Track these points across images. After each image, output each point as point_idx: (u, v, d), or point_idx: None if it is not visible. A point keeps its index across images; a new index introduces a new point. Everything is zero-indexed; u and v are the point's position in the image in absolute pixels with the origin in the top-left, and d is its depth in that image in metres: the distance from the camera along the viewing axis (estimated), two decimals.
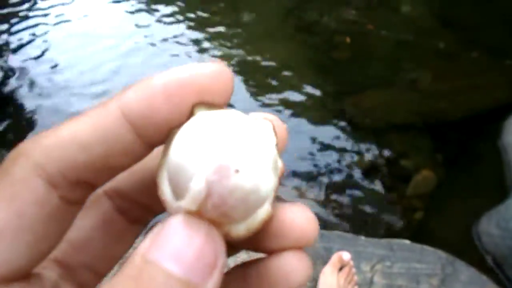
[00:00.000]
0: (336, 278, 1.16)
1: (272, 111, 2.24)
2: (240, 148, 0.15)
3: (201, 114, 0.17)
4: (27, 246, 0.16)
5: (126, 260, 0.16)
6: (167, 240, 0.15)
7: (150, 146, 0.18)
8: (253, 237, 0.17)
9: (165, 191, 0.17)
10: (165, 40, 2.58)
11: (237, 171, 0.15)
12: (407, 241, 1.32)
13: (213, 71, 0.17)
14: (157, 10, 2.84)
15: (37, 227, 0.16)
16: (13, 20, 2.70)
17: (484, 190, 2.00)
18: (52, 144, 0.17)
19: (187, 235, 0.15)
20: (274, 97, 2.36)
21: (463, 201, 2.01)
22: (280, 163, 0.17)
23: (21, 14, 2.77)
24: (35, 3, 2.89)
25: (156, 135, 0.17)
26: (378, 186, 2.08)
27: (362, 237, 1.29)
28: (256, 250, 0.18)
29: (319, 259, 1.24)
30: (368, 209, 1.98)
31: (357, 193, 2.03)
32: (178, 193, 0.16)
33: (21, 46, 2.54)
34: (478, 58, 2.42)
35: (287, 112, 2.29)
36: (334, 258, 1.20)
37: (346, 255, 1.20)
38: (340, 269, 1.19)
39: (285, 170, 0.17)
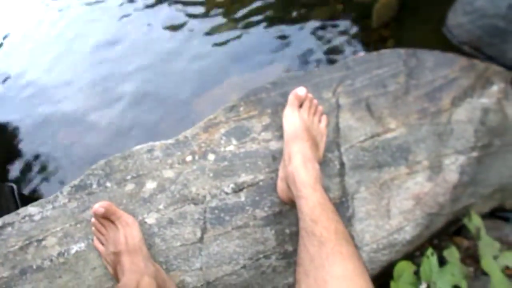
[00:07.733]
0: (298, 115, 1.10)
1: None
2: None
3: None
4: None
5: None
6: None
7: None
8: None
9: None
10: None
11: None
12: (361, 53, 1.23)
13: None
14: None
15: None
16: None
17: None
18: None
19: None
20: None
21: (430, 13, 1.89)
22: None
23: None
24: None
25: None
26: (342, 30, 1.96)
27: (315, 69, 1.21)
28: None
29: (279, 107, 1.18)
30: (336, 53, 1.89)
31: (322, 40, 1.92)
32: None
33: None
34: None
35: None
36: (290, 97, 1.14)
37: (301, 90, 1.14)
38: (300, 106, 1.13)
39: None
